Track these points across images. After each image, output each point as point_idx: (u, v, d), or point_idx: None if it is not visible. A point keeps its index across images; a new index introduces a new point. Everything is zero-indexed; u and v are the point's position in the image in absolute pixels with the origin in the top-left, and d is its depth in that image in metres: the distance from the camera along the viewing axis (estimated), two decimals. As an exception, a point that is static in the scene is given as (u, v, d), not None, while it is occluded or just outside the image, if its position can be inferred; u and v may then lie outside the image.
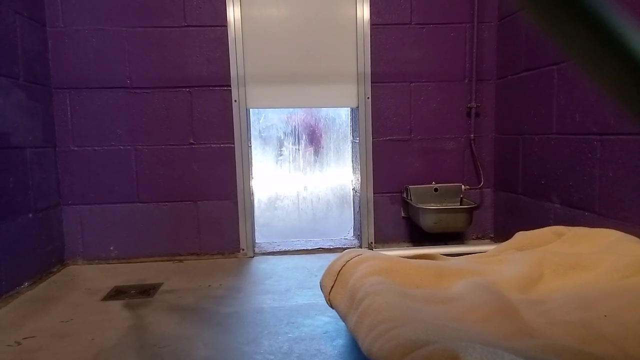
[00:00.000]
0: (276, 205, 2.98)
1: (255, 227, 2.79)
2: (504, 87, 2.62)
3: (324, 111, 2.94)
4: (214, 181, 2.60)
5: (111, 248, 2.58)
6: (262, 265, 2.47)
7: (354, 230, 2.96)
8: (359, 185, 2.74)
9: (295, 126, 2.94)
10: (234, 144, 2.59)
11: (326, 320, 1.70)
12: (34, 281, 2.23)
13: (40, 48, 2.38)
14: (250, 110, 2.70)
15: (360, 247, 2.75)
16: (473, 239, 2.84)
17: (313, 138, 2.96)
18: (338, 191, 3.01)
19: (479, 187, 2.78)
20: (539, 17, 0.28)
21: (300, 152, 2.96)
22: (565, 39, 0.28)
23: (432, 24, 2.64)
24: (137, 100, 2.52)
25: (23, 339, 1.61)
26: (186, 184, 2.59)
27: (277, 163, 2.95)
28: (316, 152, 2.97)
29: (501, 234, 2.71)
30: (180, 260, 2.59)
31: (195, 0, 2.50)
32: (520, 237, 1.76)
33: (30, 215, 2.22)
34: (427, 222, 2.49)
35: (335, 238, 2.95)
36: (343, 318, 1.33)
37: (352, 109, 2.88)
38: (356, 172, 2.83)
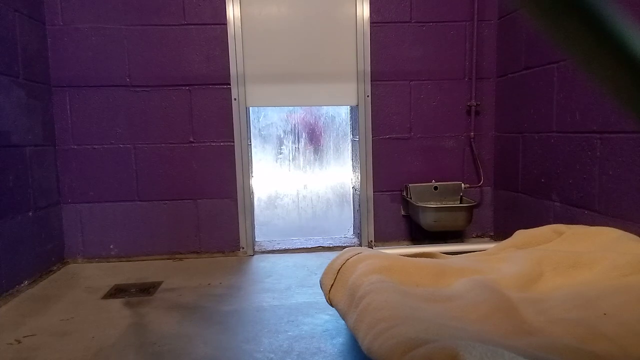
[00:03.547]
0: (276, 204, 2.98)
1: (255, 226, 2.79)
2: (504, 86, 2.62)
3: (324, 109, 2.94)
4: (214, 179, 2.60)
5: (111, 246, 2.58)
6: (262, 264, 2.47)
7: (354, 228, 2.96)
8: (359, 183, 2.74)
9: (295, 124, 2.94)
10: (233, 142, 2.59)
11: (326, 319, 1.70)
12: (34, 279, 2.24)
13: (39, 46, 2.37)
14: (250, 108, 2.70)
15: (360, 245, 2.76)
16: (473, 237, 2.84)
17: (313, 136, 2.96)
18: (338, 189, 3.01)
19: (479, 186, 2.78)
20: (538, 16, 0.28)
21: (300, 150, 2.95)
22: (565, 38, 0.28)
23: (432, 22, 2.64)
24: (137, 98, 2.52)
25: (23, 337, 1.62)
26: (186, 183, 2.59)
27: (277, 161, 2.95)
28: (316, 151, 2.97)
29: (501, 233, 2.71)
30: (180, 259, 2.60)
31: (195, -2, 2.50)
32: (520, 235, 1.76)
33: (30, 213, 2.22)
34: (427, 220, 2.49)
35: (335, 236, 2.95)
36: (343, 316, 1.33)
37: (351, 108, 2.87)
38: (356, 171, 2.83)
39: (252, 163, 2.76)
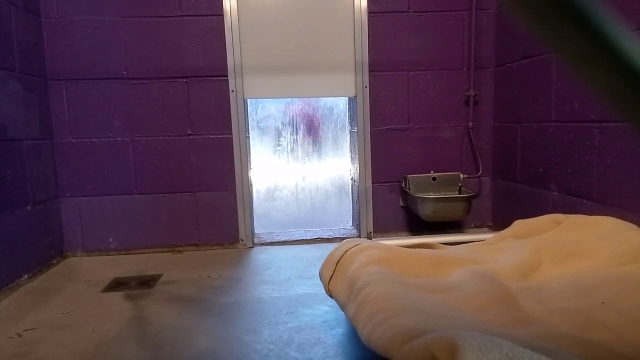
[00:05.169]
0: (275, 196, 2.98)
1: (254, 218, 2.80)
2: (502, 75, 2.61)
3: (322, 101, 2.93)
4: (212, 172, 2.60)
5: (110, 239, 2.58)
6: (262, 256, 2.47)
7: (353, 220, 2.96)
8: (358, 175, 2.74)
9: (293, 116, 2.93)
10: (231, 134, 2.58)
11: (326, 310, 1.71)
12: (34, 273, 2.24)
13: (35, 39, 2.35)
14: (248, 100, 2.69)
15: (359, 236, 2.76)
16: (472, 227, 2.85)
17: (311, 128, 2.95)
18: (336, 181, 3.00)
19: (478, 176, 2.78)
20: (527, 16, 0.27)
21: (299, 142, 2.95)
22: (556, 40, 0.27)
23: (430, 11, 2.62)
24: (134, 91, 2.51)
25: (24, 330, 1.62)
26: (184, 175, 2.58)
27: (275, 153, 2.94)
28: (314, 142, 2.96)
29: (499, 223, 2.72)
30: (180, 251, 2.60)
31: (191, -11, 2.48)
32: (518, 225, 1.77)
33: (29, 207, 2.22)
34: (426, 211, 2.50)
35: (334, 228, 2.95)
36: (342, 307, 1.34)
37: (349, 99, 2.86)
38: (354, 162, 2.83)
39: (250, 155, 2.76)
